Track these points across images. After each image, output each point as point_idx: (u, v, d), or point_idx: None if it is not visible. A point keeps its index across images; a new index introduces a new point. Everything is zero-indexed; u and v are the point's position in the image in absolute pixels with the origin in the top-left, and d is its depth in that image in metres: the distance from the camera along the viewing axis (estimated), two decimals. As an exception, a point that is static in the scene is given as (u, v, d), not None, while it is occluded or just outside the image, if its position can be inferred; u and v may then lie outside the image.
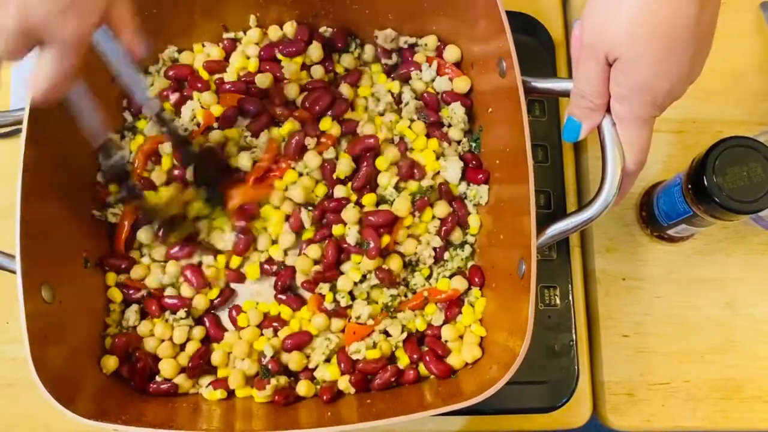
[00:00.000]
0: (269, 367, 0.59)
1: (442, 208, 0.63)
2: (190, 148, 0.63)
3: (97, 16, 0.44)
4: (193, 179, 0.63)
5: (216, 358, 0.59)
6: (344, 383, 0.59)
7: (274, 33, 0.67)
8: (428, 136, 0.65)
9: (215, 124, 0.65)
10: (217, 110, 0.65)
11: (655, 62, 0.44)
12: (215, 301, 0.62)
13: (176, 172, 0.64)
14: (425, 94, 0.66)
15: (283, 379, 0.59)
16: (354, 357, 0.59)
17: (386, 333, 0.61)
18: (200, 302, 0.61)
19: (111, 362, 0.58)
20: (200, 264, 0.63)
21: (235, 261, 0.63)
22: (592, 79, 0.48)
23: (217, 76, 0.67)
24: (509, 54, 0.54)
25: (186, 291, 0.62)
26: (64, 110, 0.51)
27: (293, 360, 0.60)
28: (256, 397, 0.58)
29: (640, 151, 0.49)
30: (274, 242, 0.64)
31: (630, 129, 0.48)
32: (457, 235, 0.64)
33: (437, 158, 0.65)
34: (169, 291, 0.62)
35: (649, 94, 0.46)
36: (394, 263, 0.62)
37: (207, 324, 0.62)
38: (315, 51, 0.66)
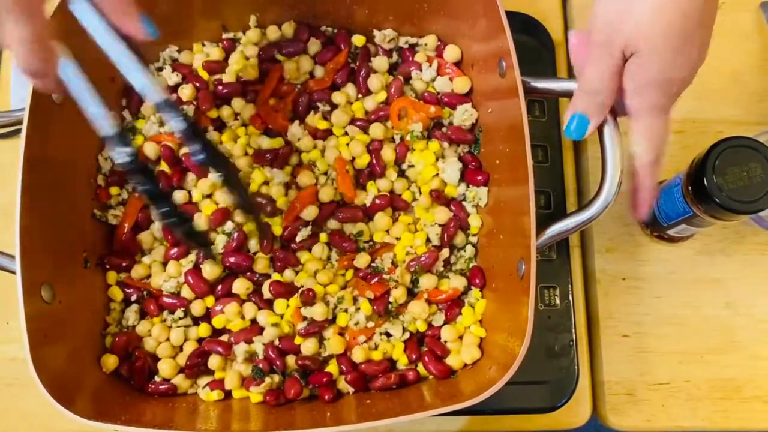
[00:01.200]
0: (260, 366, 0.58)
1: (441, 214, 0.63)
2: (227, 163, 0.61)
3: None
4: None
5: (213, 363, 0.59)
6: (341, 382, 0.59)
7: (272, 33, 0.67)
8: (428, 137, 0.65)
9: (210, 126, 0.65)
10: (213, 113, 0.65)
11: (674, 54, 0.44)
12: (211, 310, 0.61)
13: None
14: (425, 94, 0.66)
15: (277, 378, 0.58)
16: (357, 361, 0.59)
17: (387, 334, 0.61)
18: (198, 308, 0.61)
19: (111, 361, 0.58)
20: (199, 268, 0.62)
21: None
22: (605, 75, 0.47)
23: (216, 76, 0.67)
24: (509, 54, 0.54)
25: (186, 292, 0.61)
26: (67, 101, 0.48)
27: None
28: (252, 397, 0.58)
29: (657, 138, 0.48)
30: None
31: (646, 119, 0.48)
32: (459, 239, 0.63)
33: (437, 159, 0.64)
34: (167, 287, 0.61)
35: (666, 85, 0.46)
36: (398, 292, 0.61)
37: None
38: (313, 47, 0.66)
